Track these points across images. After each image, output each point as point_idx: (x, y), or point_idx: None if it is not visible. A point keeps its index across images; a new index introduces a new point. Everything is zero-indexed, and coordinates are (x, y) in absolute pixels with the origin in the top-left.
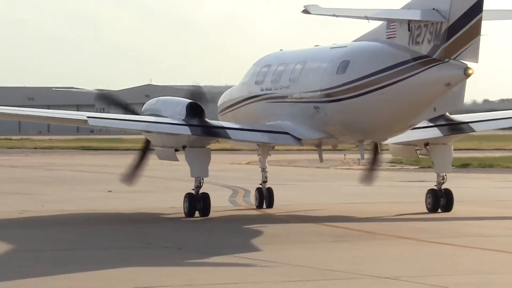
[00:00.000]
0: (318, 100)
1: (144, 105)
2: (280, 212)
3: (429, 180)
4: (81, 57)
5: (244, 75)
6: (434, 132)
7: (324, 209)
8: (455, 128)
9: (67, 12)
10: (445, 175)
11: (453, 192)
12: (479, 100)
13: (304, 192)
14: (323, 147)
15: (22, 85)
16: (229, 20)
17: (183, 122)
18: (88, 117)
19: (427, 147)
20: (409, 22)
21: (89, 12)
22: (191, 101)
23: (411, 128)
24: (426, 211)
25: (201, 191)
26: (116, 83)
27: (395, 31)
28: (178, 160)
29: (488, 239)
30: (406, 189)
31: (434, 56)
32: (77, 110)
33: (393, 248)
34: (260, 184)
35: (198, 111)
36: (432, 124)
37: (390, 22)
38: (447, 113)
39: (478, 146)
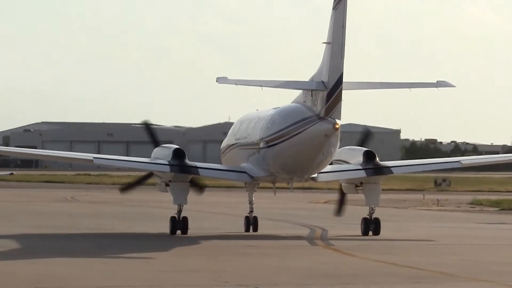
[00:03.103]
0: (259, 147)
1: (153, 152)
2: (356, 252)
3: (510, 223)
4: (160, 93)
5: (231, 129)
6: (361, 173)
7: (401, 250)
8: (378, 171)
9: (147, 50)
10: (374, 207)
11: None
12: None
13: (381, 232)
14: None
15: (102, 121)
16: (313, 57)
17: (166, 163)
18: (94, 157)
19: (362, 185)
20: (312, 90)
21: (168, 49)
22: (177, 147)
23: (321, 170)
24: (506, 256)
25: (182, 215)
26: (195, 120)
27: (306, 96)
28: (168, 192)
29: None
30: (484, 231)
31: (321, 115)
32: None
33: None
34: (248, 213)
35: (181, 155)
36: (361, 168)
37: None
38: (377, 159)
39: None
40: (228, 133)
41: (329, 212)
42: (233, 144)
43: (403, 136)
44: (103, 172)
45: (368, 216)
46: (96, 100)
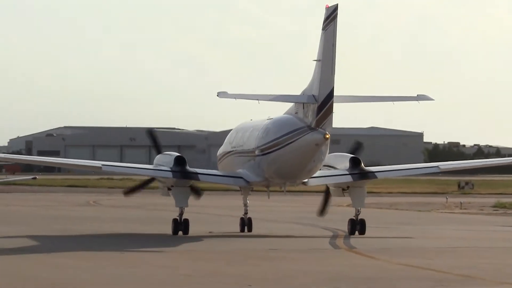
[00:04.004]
0: (254, 154)
1: (155, 159)
2: (379, 255)
3: None
4: (183, 97)
5: (227, 137)
6: (348, 178)
7: (423, 253)
8: (363, 175)
9: (169, 54)
10: (360, 209)
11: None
12: None
13: (404, 236)
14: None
15: (124, 125)
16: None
17: (169, 169)
18: (103, 165)
19: (348, 189)
20: (303, 103)
21: (190, 53)
22: (178, 154)
23: (312, 175)
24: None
25: (183, 217)
26: (217, 124)
27: (298, 108)
28: (170, 196)
29: None
30: (508, 234)
31: (312, 126)
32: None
33: None
34: (243, 215)
35: (182, 162)
36: (348, 173)
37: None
38: (362, 165)
39: None
40: (225, 141)
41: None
42: (229, 152)
43: (426, 139)
44: (126, 177)
45: (354, 217)
46: (118, 105)
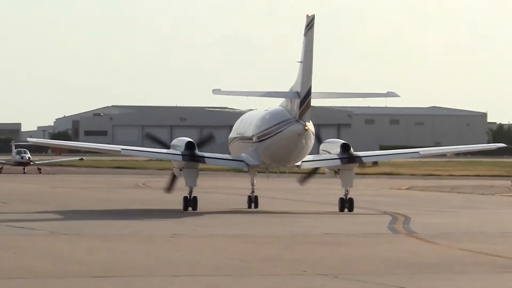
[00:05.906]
0: (252, 141)
1: (172, 142)
2: (440, 240)
3: None
4: (235, 77)
5: (234, 125)
6: (337, 162)
7: (487, 238)
8: (350, 160)
9: (220, 34)
10: (348, 189)
11: None
12: None
13: (467, 220)
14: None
15: (174, 105)
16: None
17: (179, 153)
18: (122, 149)
19: (339, 171)
20: (290, 98)
21: (245, 34)
22: (189, 140)
23: (301, 160)
24: None
25: (192, 195)
26: (269, 104)
27: (287, 101)
28: (181, 176)
29: None
30: None
31: (296, 118)
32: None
33: None
34: (250, 193)
35: (192, 146)
36: (337, 157)
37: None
38: (351, 150)
39: None
40: (233, 128)
41: (411, 199)
42: (235, 137)
43: (489, 119)
44: None
45: (344, 196)
46: (168, 83)
